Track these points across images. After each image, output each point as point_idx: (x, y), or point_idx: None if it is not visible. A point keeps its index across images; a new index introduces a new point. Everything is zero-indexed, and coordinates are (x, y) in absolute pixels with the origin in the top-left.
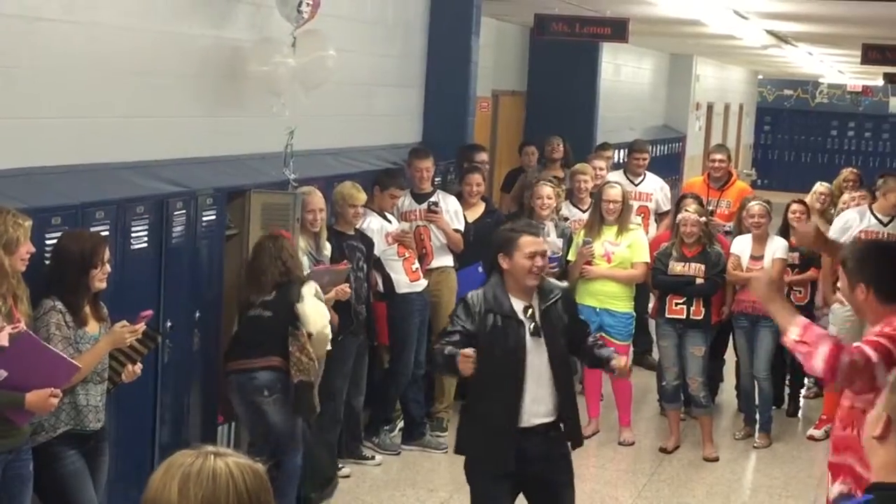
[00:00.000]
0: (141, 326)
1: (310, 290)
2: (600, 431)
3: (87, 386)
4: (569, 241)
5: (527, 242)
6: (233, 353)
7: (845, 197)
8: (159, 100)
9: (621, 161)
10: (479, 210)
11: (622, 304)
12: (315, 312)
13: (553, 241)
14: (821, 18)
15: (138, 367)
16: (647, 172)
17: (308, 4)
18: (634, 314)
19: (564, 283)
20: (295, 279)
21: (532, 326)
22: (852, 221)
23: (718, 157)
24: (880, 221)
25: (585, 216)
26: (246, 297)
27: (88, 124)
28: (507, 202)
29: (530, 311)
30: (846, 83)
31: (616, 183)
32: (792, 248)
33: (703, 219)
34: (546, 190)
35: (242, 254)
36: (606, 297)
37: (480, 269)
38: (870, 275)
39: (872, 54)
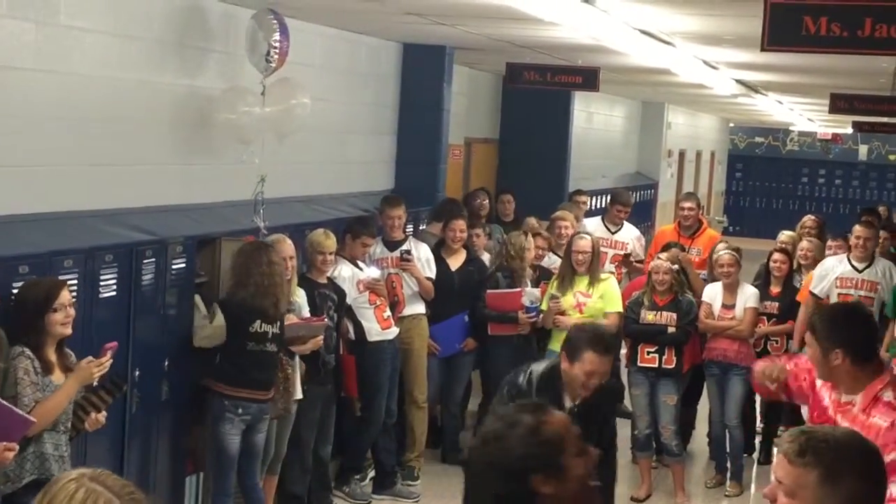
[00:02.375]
0: (108, 359)
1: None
2: None
3: (54, 435)
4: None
5: (589, 359)
6: (239, 382)
7: (804, 244)
8: (130, 148)
9: (594, 208)
10: (461, 257)
11: None
12: None
13: (531, 291)
14: (788, 69)
15: (102, 416)
16: (625, 222)
17: (276, 53)
18: None
19: (615, 381)
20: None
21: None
22: (829, 269)
23: (688, 205)
24: (855, 268)
25: None
26: (252, 310)
27: (59, 172)
28: None
29: (570, 406)
30: (816, 131)
31: (586, 234)
32: (773, 298)
33: (675, 267)
34: (526, 240)
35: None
36: None
37: (466, 319)
38: (843, 338)
39: (840, 104)
